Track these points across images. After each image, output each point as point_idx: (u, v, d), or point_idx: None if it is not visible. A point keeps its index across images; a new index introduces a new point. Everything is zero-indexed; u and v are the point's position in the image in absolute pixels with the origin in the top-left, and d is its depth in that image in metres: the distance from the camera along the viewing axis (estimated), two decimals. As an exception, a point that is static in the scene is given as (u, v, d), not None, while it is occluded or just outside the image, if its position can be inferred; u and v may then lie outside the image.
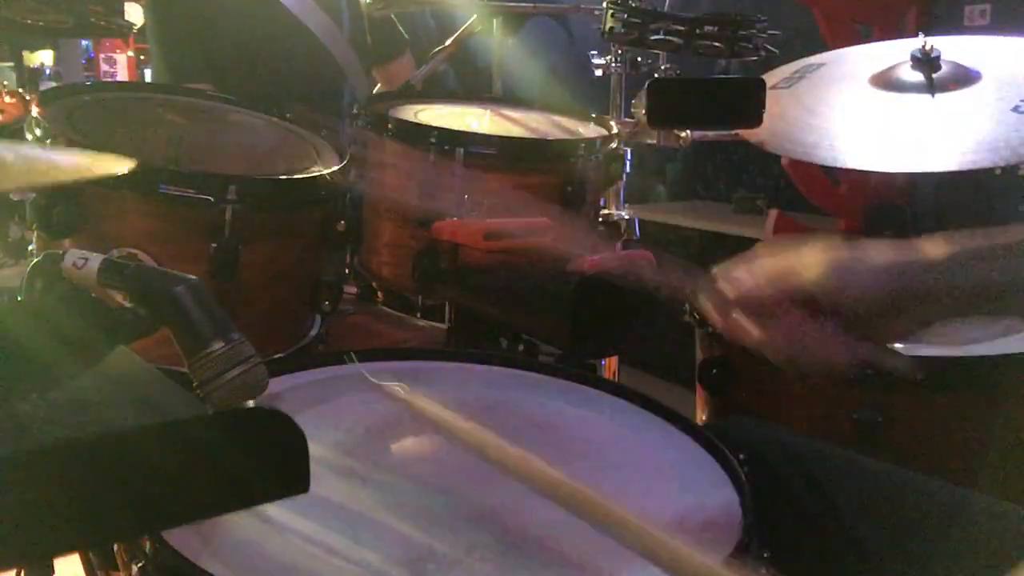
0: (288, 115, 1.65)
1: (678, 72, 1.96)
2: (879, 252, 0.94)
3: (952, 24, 3.02)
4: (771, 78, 1.72)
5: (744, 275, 0.98)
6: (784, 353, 0.95)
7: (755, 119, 1.57)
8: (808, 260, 0.95)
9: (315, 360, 1.20)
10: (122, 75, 5.32)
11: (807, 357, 0.94)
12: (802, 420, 1.34)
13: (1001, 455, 1.24)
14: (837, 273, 0.93)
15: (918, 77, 1.61)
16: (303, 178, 1.41)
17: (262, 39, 2.25)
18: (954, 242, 0.93)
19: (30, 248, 1.35)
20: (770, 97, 1.57)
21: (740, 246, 1.66)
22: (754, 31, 1.71)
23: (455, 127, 1.60)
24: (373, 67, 2.51)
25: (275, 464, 0.56)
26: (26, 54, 5.22)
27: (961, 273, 0.91)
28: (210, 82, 2.15)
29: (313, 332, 1.49)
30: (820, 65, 1.78)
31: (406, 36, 2.55)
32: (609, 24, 1.71)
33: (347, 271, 1.70)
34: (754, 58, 1.74)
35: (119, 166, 1.11)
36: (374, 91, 2.45)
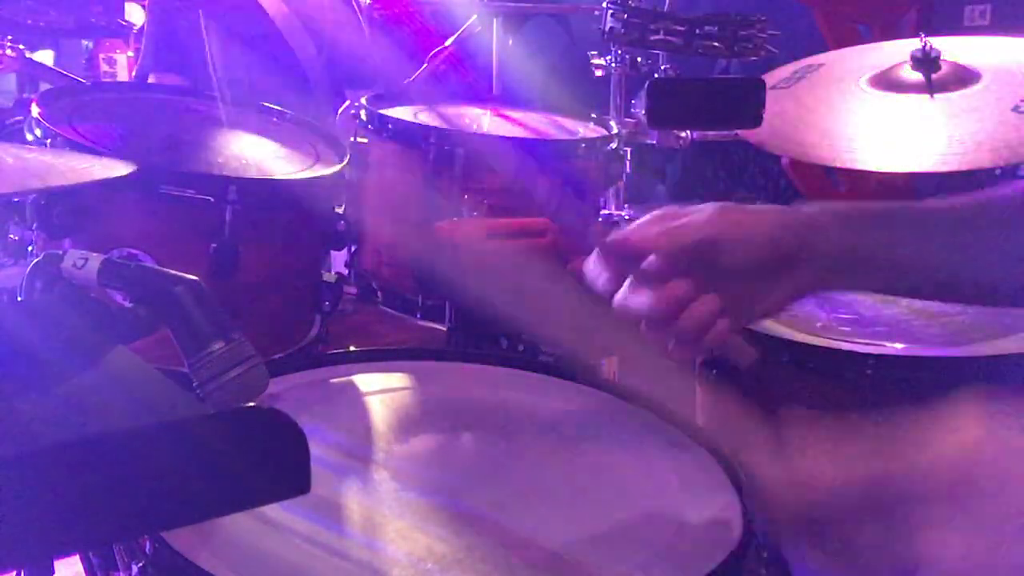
0: (288, 115, 1.65)
1: (678, 72, 1.96)
2: (766, 211, 0.95)
3: (952, 24, 3.01)
4: (771, 78, 1.72)
5: (640, 232, 0.95)
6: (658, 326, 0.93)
7: (755, 119, 1.57)
8: (702, 217, 0.94)
9: (315, 360, 1.20)
10: (122, 75, 5.30)
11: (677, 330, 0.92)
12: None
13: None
14: (730, 226, 0.92)
15: (918, 77, 1.61)
16: (303, 178, 1.41)
17: (239, 43, 2.26)
18: (838, 208, 0.94)
19: (30, 248, 1.35)
20: (770, 97, 1.57)
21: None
22: (754, 31, 1.71)
23: (455, 127, 1.60)
24: None
25: (275, 464, 0.56)
26: (26, 54, 5.21)
27: (838, 237, 0.91)
28: (178, 73, 2.17)
29: (313, 332, 1.49)
30: (820, 65, 1.78)
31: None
32: (609, 24, 1.71)
33: (347, 271, 1.70)
34: (754, 58, 1.74)
35: (119, 166, 1.12)
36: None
